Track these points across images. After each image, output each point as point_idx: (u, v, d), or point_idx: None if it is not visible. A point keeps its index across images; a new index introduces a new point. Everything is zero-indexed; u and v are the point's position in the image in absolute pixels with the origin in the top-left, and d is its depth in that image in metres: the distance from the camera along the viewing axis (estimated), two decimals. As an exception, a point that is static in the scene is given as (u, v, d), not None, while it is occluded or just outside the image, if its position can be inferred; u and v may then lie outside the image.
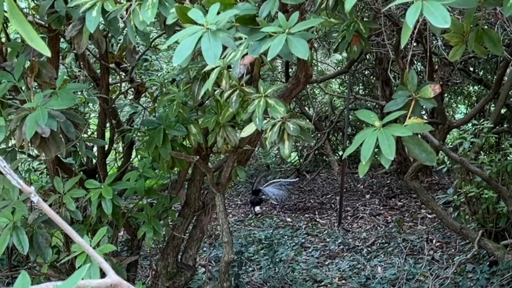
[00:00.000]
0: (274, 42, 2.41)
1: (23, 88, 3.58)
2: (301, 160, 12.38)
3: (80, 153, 4.22)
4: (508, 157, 6.44)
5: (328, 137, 11.64)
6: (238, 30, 2.70)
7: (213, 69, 3.00)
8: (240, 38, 2.72)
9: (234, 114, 3.40)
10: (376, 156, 2.28)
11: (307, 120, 3.37)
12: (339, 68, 11.15)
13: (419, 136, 2.44)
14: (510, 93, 8.24)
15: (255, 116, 2.90)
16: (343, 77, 11.51)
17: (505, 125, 8.64)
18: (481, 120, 6.77)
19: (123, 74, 5.68)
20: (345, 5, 2.09)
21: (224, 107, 3.61)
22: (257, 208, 9.71)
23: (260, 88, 2.98)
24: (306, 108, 12.01)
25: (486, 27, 2.86)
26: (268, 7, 2.66)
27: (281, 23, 2.48)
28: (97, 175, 4.57)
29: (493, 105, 8.83)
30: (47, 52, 1.42)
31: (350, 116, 10.90)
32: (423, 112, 10.31)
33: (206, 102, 4.15)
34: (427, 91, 2.54)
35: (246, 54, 2.65)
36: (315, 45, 9.54)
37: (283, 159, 11.38)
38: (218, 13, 2.40)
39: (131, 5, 2.85)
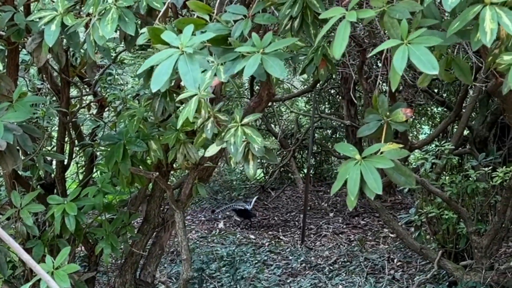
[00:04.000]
0: (249, 62, 2.39)
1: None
2: (266, 177, 12.38)
3: (38, 167, 4.16)
4: (469, 179, 6.52)
5: (294, 155, 11.66)
6: (210, 50, 2.66)
7: (191, 96, 2.75)
8: (208, 61, 2.67)
9: (194, 130, 3.36)
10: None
11: (273, 139, 3.32)
12: (305, 86, 11.20)
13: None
14: (472, 115, 8.38)
15: (230, 144, 2.77)
16: (309, 95, 11.57)
17: (467, 147, 8.75)
18: (443, 142, 6.86)
19: (86, 88, 5.63)
20: (335, 53, 2.11)
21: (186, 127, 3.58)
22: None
23: (236, 117, 2.86)
24: (272, 126, 12.05)
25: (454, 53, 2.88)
26: (241, 28, 2.66)
27: (255, 43, 2.47)
28: (55, 190, 4.51)
29: (456, 126, 8.95)
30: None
31: (315, 134, 10.95)
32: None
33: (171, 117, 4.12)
34: (399, 115, 2.52)
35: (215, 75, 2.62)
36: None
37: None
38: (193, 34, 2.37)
39: (91, 19, 2.84)
